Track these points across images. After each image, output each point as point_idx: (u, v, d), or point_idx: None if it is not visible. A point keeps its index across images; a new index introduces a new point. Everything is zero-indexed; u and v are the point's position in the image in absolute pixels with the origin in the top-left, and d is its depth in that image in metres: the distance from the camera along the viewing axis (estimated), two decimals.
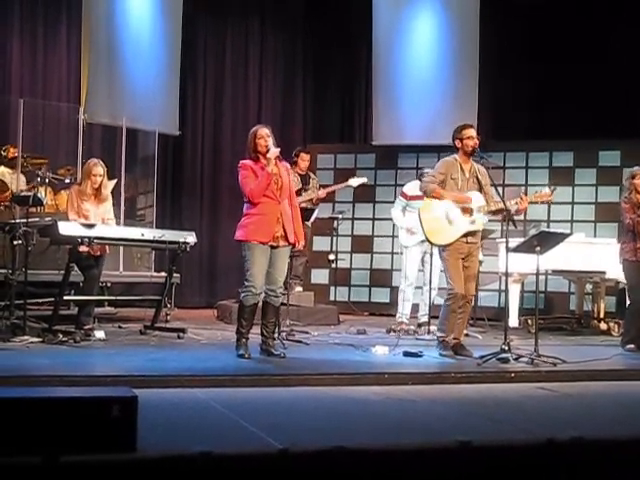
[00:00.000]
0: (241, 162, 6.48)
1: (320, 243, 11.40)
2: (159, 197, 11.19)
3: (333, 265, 10.95)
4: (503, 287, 9.10)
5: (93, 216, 7.43)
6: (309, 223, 9.34)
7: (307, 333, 8.22)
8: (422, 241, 8.68)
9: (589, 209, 11.06)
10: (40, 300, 8.26)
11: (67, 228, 7.06)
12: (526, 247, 6.80)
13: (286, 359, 6.36)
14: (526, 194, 7.12)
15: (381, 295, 11.52)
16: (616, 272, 8.36)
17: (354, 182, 9.54)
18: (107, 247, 7.69)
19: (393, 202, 9.34)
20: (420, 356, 6.72)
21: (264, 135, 6.40)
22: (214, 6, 12.20)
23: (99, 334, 7.28)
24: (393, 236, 9.72)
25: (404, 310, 8.93)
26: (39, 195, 7.93)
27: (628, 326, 7.71)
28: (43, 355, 6.25)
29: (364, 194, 11.19)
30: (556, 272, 9.29)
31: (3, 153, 9.84)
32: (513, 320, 8.98)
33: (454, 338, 6.78)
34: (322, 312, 9.82)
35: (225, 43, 12.42)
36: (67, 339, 6.90)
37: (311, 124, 12.88)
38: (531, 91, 11.82)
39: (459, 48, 11.67)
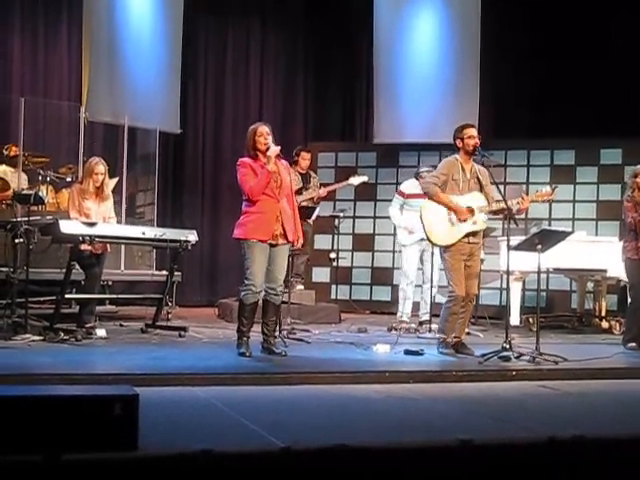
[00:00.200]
0: (240, 160, 6.46)
1: (321, 241, 11.41)
2: (160, 195, 11.19)
3: (334, 263, 10.96)
4: (504, 285, 9.08)
5: (94, 215, 7.44)
6: (310, 221, 9.36)
7: (308, 331, 8.22)
8: (420, 239, 8.72)
9: (590, 207, 11.05)
10: (41, 298, 8.27)
11: (68, 226, 7.06)
12: (527, 245, 6.79)
13: (287, 357, 6.35)
14: (527, 192, 7.13)
15: (382, 293, 11.52)
16: (617, 270, 8.36)
17: (355, 181, 9.55)
18: (108, 245, 7.70)
19: None
20: (421, 354, 6.72)
21: (264, 133, 6.38)
22: (215, 4, 12.19)
23: (100, 332, 7.29)
24: (394, 234, 9.71)
25: (405, 309, 8.94)
26: (40, 194, 7.94)
27: (629, 324, 7.71)
28: (44, 353, 6.25)
29: (365, 192, 11.18)
30: (557, 270, 9.29)
31: (5, 152, 9.84)
32: (514, 318, 8.98)
33: (455, 337, 6.78)
34: (323, 310, 9.82)
35: (226, 41, 12.42)
36: (68, 337, 6.91)
37: (312, 122, 12.87)
38: (532, 89, 11.81)
39: (460, 46, 11.66)
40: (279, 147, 6.38)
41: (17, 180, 9.40)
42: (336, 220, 10.22)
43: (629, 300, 7.88)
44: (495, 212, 6.87)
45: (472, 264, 6.79)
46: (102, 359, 6.35)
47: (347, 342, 7.54)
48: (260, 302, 6.45)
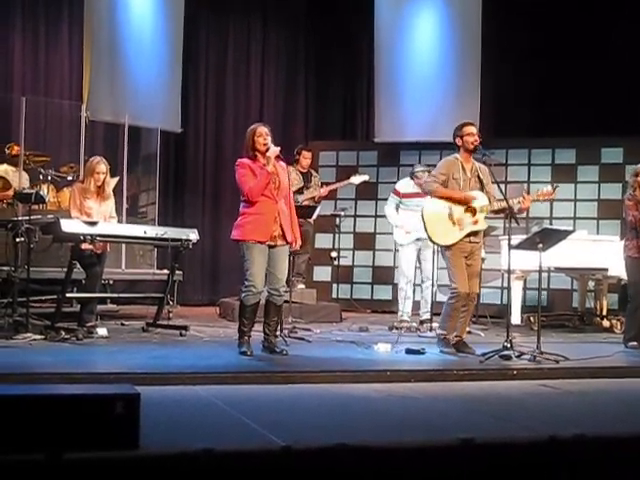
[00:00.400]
0: (239, 160, 6.43)
1: (322, 240, 11.41)
2: (161, 194, 11.20)
3: (335, 262, 10.96)
4: (505, 284, 9.08)
5: (96, 214, 7.44)
6: (311, 220, 9.37)
7: (309, 330, 8.23)
8: (417, 239, 8.75)
9: (591, 206, 11.05)
10: (43, 297, 8.27)
11: (69, 225, 7.07)
12: (528, 244, 6.79)
13: (288, 356, 6.35)
14: (528, 192, 7.13)
15: (383, 292, 11.52)
16: (618, 269, 8.36)
17: (356, 180, 9.57)
18: (108, 245, 7.70)
19: None
20: (422, 353, 6.72)
21: (263, 133, 6.36)
22: (216, 3, 12.21)
23: (101, 331, 7.29)
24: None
25: (405, 308, 8.95)
26: (41, 193, 7.94)
27: (630, 323, 7.71)
28: (46, 352, 6.26)
29: (366, 191, 11.18)
30: (558, 269, 9.29)
31: (7, 151, 9.85)
32: (515, 317, 8.98)
33: (457, 336, 6.78)
34: (324, 309, 9.82)
35: (227, 40, 12.42)
36: (69, 336, 6.91)
37: (313, 121, 12.88)
38: (533, 88, 11.81)
39: (461, 45, 11.67)
40: (279, 148, 6.35)
41: (18, 179, 9.41)
42: (337, 219, 10.23)
43: (629, 299, 7.88)
44: (496, 211, 6.87)
45: (473, 263, 6.79)
46: (103, 358, 6.34)
47: (348, 341, 7.54)
48: (262, 302, 6.45)
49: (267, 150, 6.30)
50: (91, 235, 7.09)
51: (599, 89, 11.28)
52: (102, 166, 7.53)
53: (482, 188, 6.84)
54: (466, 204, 6.73)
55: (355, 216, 11.70)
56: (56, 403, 3.40)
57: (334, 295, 11.47)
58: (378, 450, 3.62)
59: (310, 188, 9.50)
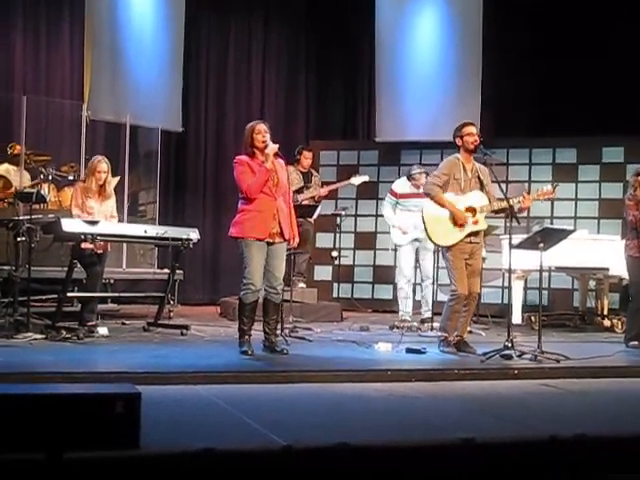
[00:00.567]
0: (237, 158, 6.42)
1: (323, 240, 11.40)
2: (162, 194, 11.20)
3: (336, 262, 10.96)
4: (506, 284, 9.07)
5: (97, 213, 7.44)
6: (312, 220, 9.37)
7: (310, 330, 8.22)
8: (414, 239, 8.77)
9: (592, 206, 11.05)
10: (43, 297, 8.26)
11: (70, 225, 7.07)
12: (529, 244, 6.79)
13: (289, 356, 6.35)
14: (529, 191, 7.12)
15: (384, 292, 11.51)
16: (619, 269, 8.36)
17: (356, 180, 9.57)
18: (109, 245, 7.70)
19: None
20: (423, 353, 6.72)
21: (262, 130, 6.35)
22: (217, 3, 12.22)
23: (102, 331, 7.29)
24: None
25: (405, 307, 8.96)
26: (42, 192, 7.94)
27: (631, 323, 7.71)
28: (46, 352, 6.26)
29: (367, 191, 11.17)
30: (559, 269, 9.28)
31: (9, 150, 9.85)
32: (516, 317, 8.97)
33: (457, 335, 6.78)
34: (325, 309, 9.82)
35: (228, 40, 12.42)
36: (70, 336, 6.91)
37: (314, 121, 12.88)
38: (534, 88, 11.81)
39: (462, 44, 11.66)
40: (277, 145, 6.34)
41: (19, 179, 9.41)
42: (338, 218, 10.22)
43: (631, 298, 7.88)
44: (497, 211, 6.87)
45: (473, 263, 6.79)
46: (104, 357, 6.35)
47: (349, 340, 7.53)
48: (261, 300, 6.45)
49: (266, 147, 6.29)
50: (92, 234, 7.09)
51: (600, 88, 11.28)
52: (104, 165, 7.53)
53: (482, 188, 6.85)
54: (457, 220, 6.71)
55: (356, 215, 11.70)
56: (57, 402, 3.40)
57: (335, 294, 11.47)
58: (379, 449, 3.62)
59: (310, 188, 9.50)
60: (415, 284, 9.18)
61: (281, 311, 7.08)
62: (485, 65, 11.53)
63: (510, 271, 7.00)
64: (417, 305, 9.06)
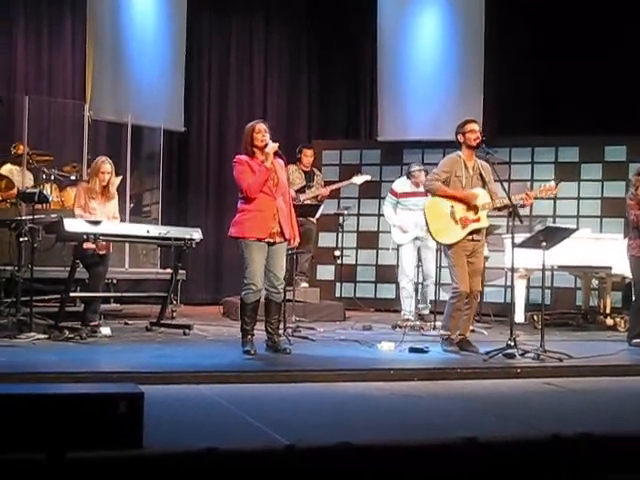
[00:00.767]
0: (237, 157, 6.41)
1: (325, 239, 11.39)
2: (164, 194, 11.20)
3: (339, 261, 10.94)
4: (509, 283, 9.06)
5: (99, 215, 7.43)
6: (314, 219, 9.36)
7: (313, 329, 8.23)
8: (415, 238, 8.78)
9: (595, 204, 11.04)
10: (46, 297, 8.27)
11: (73, 225, 7.07)
12: (532, 242, 6.78)
13: (292, 355, 6.36)
14: (532, 189, 7.11)
15: (387, 291, 11.51)
16: (622, 267, 8.35)
17: (358, 180, 9.58)
18: (111, 245, 7.71)
19: None
20: (426, 352, 6.72)
21: (262, 130, 6.34)
22: (218, 3, 12.22)
23: (105, 331, 7.31)
24: None
25: (408, 307, 8.97)
26: (45, 192, 7.94)
27: (634, 321, 7.70)
28: (49, 352, 6.26)
29: (369, 190, 11.18)
30: (562, 267, 9.28)
31: (13, 150, 9.86)
32: (519, 316, 8.97)
33: (460, 334, 6.78)
34: (328, 308, 9.82)
35: (230, 40, 12.43)
36: (73, 336, 6.91)
37: (316, 120, 12.88)
38: (536, 86, 11.81)
39: (464, 44, 11.66)
40: (277, 144, 6.34)
41: (22, 179, 9.42)
42: (340, 218, 10.22)
43: (634, 297, 7.87)
44: (499, 208, 6.87)
45: (475, 261, 6.79)
46: (107, 357, 6.35)
47: (351, 340, 7.54)
48: (262, 300, 6.45)
49: (265, 146, 6.29)
50: (94, 234, 7.10)
51: (602, 87, 11.28)
52: (107, 166, 7.53)
53: (484, 185, 6.84)
54: (467, 204, 6.72)
55: (358, 215, 11.70)
56: (59, 402, 3.41)
57: (337, 294, 11.46)
58: (381, 449, 3.62)
59: (312, 187, 9.50)
60: (417, 283, 9.19)
61: (284, 311, 7.08)
62: (487, 64, 11.53)
63: (513, 270, 6.99)
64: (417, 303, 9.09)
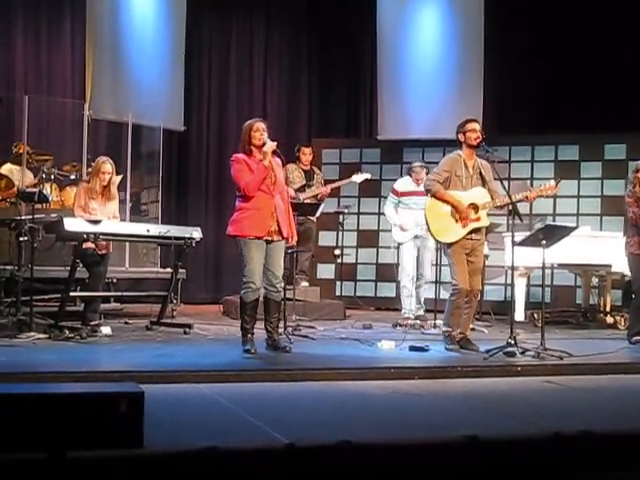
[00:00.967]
0: (234, 156, 6.41)
1: (326, 238, 11.39)
2: (164, 193, 11.20)
3: (339, 260, 10.95)
4: (509, 281, 9.09)
5: (100, 215, 7.43)
6: (314, 218, 9.36)
7: (313, 328, 8.23)
8: (414, 237, 8.78)
9: (595, 202, 11.04)
10: (46, 296, 8.28)
11: (72, 224, 7.07)
12: (532, 241, 6.78)
13: (292, 354, 6.35)
14: (532, 188, 7.11)
15: (387, 290, 11.51)
16: (622, 265, 8.34)
17: (358, 178, 9.57)
18: (111, 245, 7.71)
19: None
20: (426, 350, 6.72)
21: (260, 128, 6.34)
22: (218, 2, 12.22)
23: (105, 330, 7.31)
24: None
25: (408, 305, 8.97)
26: (44, 192, 7.94)
27: (634, 319, 7.70)
28: (49, 351, 6.26)
29: (369, 189, 11.18)
30: (562, 266, 9.28)
31: (14, 149, 9.86)
32: (519, 314, 8.98)
33: (460, 333, 6.78)
34: (328, 307, 9.82)
35: (230, 40, 12.43)
36: (73, 335, 6.91)
37: (316, 119, 12.88)
38: (536, 85, 11.81)
39: (463, 42, 11.67)
40: (275, 143, 6.34)
41: (22, 178, 9.42)
42: (340, 216, 10.22)
43: (634, 295, 7.87)
44: (500, 206, 6.87)
45: (475, 260, 6.79)
46: (107, 357, 6.36)
47: (352, 338, 7.54)
48: (261, 299, 6.44)
49: (263, 145, 6.29)
50: (94, 234, 7.10)
51: (601, 85, 11.27)
52: (108, 166, 7.53)
53: (484, 184, 6.84)
54: (459, 216, 6.71)
55: (358, 213, 11.71)
56: (60, 402, 3.41)
57: (338, 293, 11.47)
58: (381, 447, 3.62)
59: (312, 186, 9.50)
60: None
61: (283, 309, 7.08)
62: (487, 63, 11.53)
63: (513, 268, 7.00)
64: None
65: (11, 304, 7.48)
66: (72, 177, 9.87)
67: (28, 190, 7.83)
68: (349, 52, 12.73)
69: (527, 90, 11.83)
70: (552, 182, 6.94)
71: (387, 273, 11.38)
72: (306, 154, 9.61)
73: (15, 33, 10.96)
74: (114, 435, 3.39)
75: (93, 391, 3.63)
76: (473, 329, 7.72)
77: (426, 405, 4.96)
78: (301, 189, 9.35)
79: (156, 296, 8.57)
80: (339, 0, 12.65)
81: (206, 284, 12.03)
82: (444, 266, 7.83)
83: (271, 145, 6.29)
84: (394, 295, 11.13)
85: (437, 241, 7.32)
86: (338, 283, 11.57)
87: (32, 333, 6.81)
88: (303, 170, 9.54)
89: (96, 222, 7.17)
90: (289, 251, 7.59)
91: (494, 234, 8.99)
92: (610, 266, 9.07)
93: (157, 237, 7.85)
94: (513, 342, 6.40)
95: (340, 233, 10.41)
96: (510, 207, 6.64)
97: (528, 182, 10.70)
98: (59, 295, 7.65)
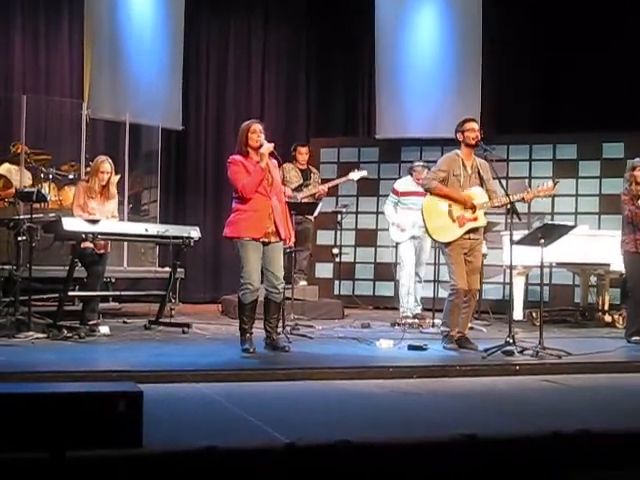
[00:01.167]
0: (231, 157, 6.40)
1: (324, 237, 11.40)
2: (163, 192, 11.20)
3: (337, 259, 10.96)
4: (507, 280, 9.08)
5: (98, 214, 7.42)
6: (311, 217, 9.37)
7: (312, 327, 8.23)
8: (412, 237, 8.79)
9: (593, 201, 11.05)
10: (45, 296, 8.27)
11: (71, 224, 7.07)
12: (530, 240, 6.79)
13: (291, 353, 6.35)
14: (530, 188, 7.12)
15: (385, 289, 11.51)
16: (620, 264, 8.34)
17: (354, 176, 9.56)
18: (109, 245, 7.71)
19: None
20: (425, 349, 6.72)
21: (257, 130, 6.32)
22: (217, 1, 12.21)
23: (104, 329, 7.30)
24: None
25: (407, 304, 8.97)
26: (43, 191, 7.93)
27: (631, 317, 7.71)
28: (48, 351, 6.25)
29: (368, 188, 11.18)
30: (560, 264, 9.29)
31: (12, 149, 9.85)
32: (517, 313, 8.99)
33: (458, 332, 6.78)
34: (326, 306, 9.82)
35: (228, 39, 12.42)
36: (72, 335, 6.91)
37: (314, 118, 12.87)
38: (534, 84, 11.81)
39: (462, 41, 11.66)
40: (272, 144, 6.33)
41: (20, 178, 9.41)
42: (339, 216, 10.23)
43: (629, 293, 7.88)
44: (498, 205, 6.87)
45: (473, 259, 6.79)
46: (105, 356, 6.35)
47: (350, 338, 7.53)
48: (261, 299, 6.44)
49: (260, 147, 6.28)
50: (93, 233, 7.09)
51: (600, 84, 11.28)
52: (107, 165, 7.53)
53: (482, 184, 6.84)
54: (464, 205, 6.73)
55: (357, 213, 11.70)
56: (59, 401, 3.40)
57: (336, 292, 11.47)
58: (380, 446, 3.63)
59: (309, 185, 9.49)
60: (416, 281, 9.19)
61: (282, 309, 7.08)
62: (485, 62, 11.53)
63: (511, 267, 7.01)
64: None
65: (9, 304, 7.46)
66: (70, 177, 9.86)
67: (26, 190, 7.83)
68: (347, 51, 12.72)
69: (525, 89, 11.84)
70: (550, 183, 6.95)
71: (385, 272, 11.38)
72: (302, 153, 9.61)
73: (13, 33, 10.95)
74: (113, 435, 3.39)
75: (92, 391, 3.62)
76: (472, 328, 7.72)
77: (425, 404, 4.96)
78: (298, 189, 9.35)
79: (154, 295, 8.56)
80: None
81: (205, 283, 12.03)
82: (442, 265, 7.83)
83: (268, 147, 6.28)
84: (392, 294, 11.14)
85: (434, 240, 7.32)
86: (336, 282, 11.57)
87: (30, 333, 6.80)
88: (300, 169, 9.53)
89: (94, 222, 7.17)
90: (287, 250, 7.59)
91: (492, 233, 8.99)
92: (608, 265, 9.07)
93: (155, 236, 7.84)
94: (512, 341, 6.40)
95: (338, 232, 10.42)
96: (508, 206, 6.64)
97: (526, 181, 10.69)
98: (57, 295, 7.65)
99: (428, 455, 3.66)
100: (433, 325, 8.22)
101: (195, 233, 7.99)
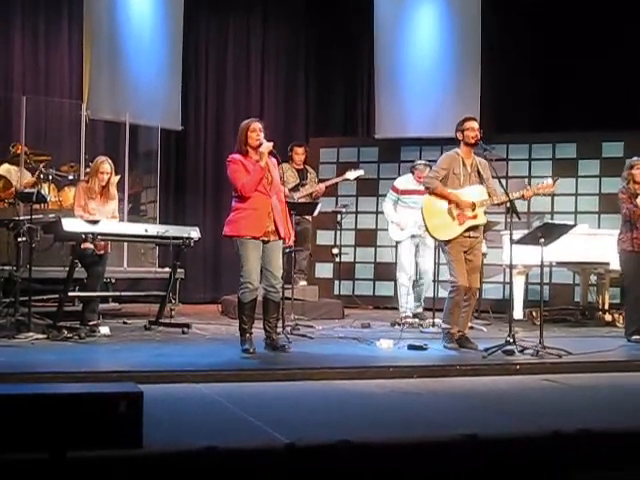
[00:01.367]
0: (230, 156, 6.40)
1: (324, 237, 11.40)
2: (162, 192, 11.20)
3: (337, 259, 10.95)
4: (507, 279, 9.08)
5: (99, 214, 7.42)
6: (309, 217, 9.36)
7: (312, 327, 8.22)
8: (412, 235, 8.78)
9: (593, 200, 11.05)
10: (45, 297, 8.27)
11: (71, 224, 7.07)
12: (530, 239, 6.79)
13: (291, 353, 6.35)
14: (530, 187, 7.12)
15: (385, 289, 11.51)
16: None
17: (351, 175, 9.54)
18: (109, 245, 7.71)
19: None
20: (425, 349, 6.72)
21: (257, 129, 6.32)
22: (216, 1, 12.20)
23: (104, 330, 7.30)
24: None
25: (406, 304, 8.96)
26: (42, 192, 7.93)
27: (631, 316, 7.71)
28: (48, 351, 6.25)
29: (367, 187, 11.18)
30: (560, 264, 9.29)
31: (12, 150, 9.85)
32: (518, 312, 8.99)
33: (459, 331, 6.78)
34: (326, 306, 9.82)
35: (227, 38, 12.42)
36: (72, 335, 6.91)
37: (314, 118, 12.87)
38: (534, 83, 11.81)
39: (461, 40, 11.66)
40: (271, 143, 6.32)
41: (20, 178, 9.41)
42: (338, 216, 10.22)
43: (627, 292, 7.89)
44: (497, 204, 6.87)
45: (473, 258, 6.79)
46: (106, 357, 6.36)
47: (350, 337, 7.53)
48: (260, 299, 6.44)
49: (260, 146, 6.28)
50: (92, 234, 7.09)
51: (600, 84, 11.27)
52: (106, 166, 7.53)
53: (482, 183, 6.84)
54: (462, 207, 6.72)
55: (356, 212, 11.70)
56: (59, 402, 3.40)
57: (336, 292, 11.46)
58: (380, 446, 3.63)
59: (306, 185, 9.48)
60: (416, 280, 9.18)
61: (282, 309, 7.08)
62: (484, 61, 11.53)
63: (511, 266, 7.01)
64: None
65: (9, 304, 7.47)
66: (70, 177, 9.86)
67: (26, 190, 7.83)
68: (347, 50, 12.72)
69: (525, 88, 11.83)
70: (549, 180, 6.95)
71: (385, 272, 11.38)
72: (299, 154, 9.59)
73: (13, 33, 10.95)
74: (113, 435, 3.39)
75: (92, 391, 3.62)
76: (472, 327, 7.72)
77: (425, 404, 4.96)
78: (295, 189, 9.33)
79: (154, 296, 8.56)
80: None
81: (204, 284, 12.03)
82: (442, 265, 7.83)
83: (267, 146, 6.28)
84: (392, 294, 11.13)
85: (434, 239, 7.32)
86: (336, 282, 11.57)
87: (30, 333, 6.80)
88: (296, 169, 9.52)
89: (94, 222, 7.17)
90: (287, 250, 7.59)
91: (492, 232, 8.99)
92: (608, 264, 9.06)
93: (155, 237, 7.84)
94: (512, 340, 6.41)
95: (338, 232, 10.41)
96: (508, 205, 6.64)
97: (526, 180, 10.70)
98: (57, 295, 7.65)
99: (428, 455, 3.66)
100: (433, 325, 8.21)
101: (195, 233, 7.99)
